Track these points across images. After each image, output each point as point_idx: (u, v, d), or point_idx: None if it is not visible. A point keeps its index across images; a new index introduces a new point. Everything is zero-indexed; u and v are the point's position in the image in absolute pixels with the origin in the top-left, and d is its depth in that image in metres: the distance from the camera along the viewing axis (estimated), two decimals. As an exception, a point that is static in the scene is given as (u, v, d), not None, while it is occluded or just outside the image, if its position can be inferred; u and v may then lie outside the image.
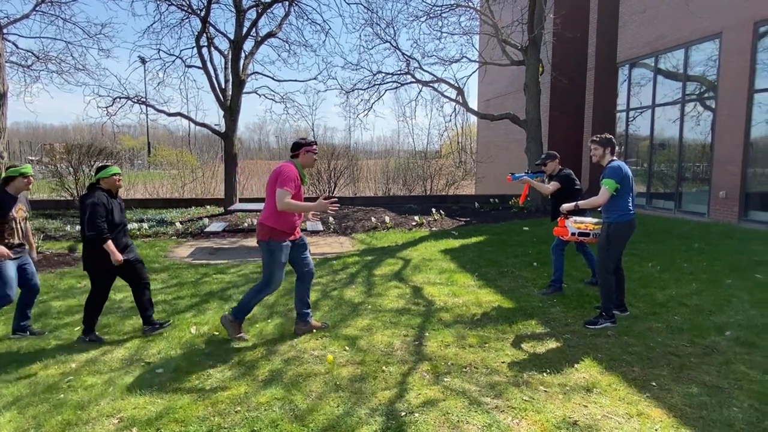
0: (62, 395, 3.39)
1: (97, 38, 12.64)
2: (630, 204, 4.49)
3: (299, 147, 4.29)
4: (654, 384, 3.44)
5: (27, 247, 4.49)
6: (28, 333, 4.49)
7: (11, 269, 4.21)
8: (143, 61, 15.65)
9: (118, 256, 4.14)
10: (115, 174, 4.29)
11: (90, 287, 4.34)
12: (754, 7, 9.55)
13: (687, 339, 4.23)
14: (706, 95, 11.08)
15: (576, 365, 3.75)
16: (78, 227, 9.79)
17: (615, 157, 4.62)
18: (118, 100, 12.29)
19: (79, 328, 4.62)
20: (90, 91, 31.02)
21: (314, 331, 4.48)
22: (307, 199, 4.50)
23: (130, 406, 3.22)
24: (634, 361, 3.82)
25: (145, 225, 10.05)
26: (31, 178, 4.33)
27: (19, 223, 4.33)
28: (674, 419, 2.99)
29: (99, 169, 4.31)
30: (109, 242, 4.10)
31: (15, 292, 4.22)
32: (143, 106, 12.82)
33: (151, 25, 19.81)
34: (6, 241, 4.21)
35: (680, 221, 10.67)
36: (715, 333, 4.33)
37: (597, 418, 3.01)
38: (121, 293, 5.79)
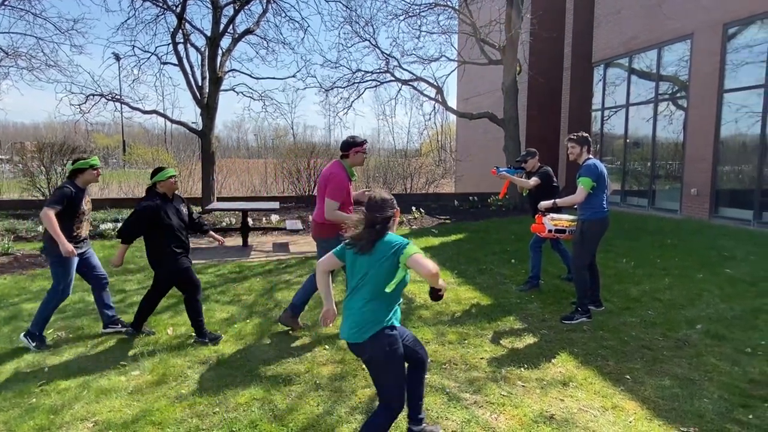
0: (34, 400, 3.30)
1: (69, 34, 12.36)
2: (604, 202, 4.58)
3: (349, 147, 4.28)
4: (628, 377, 3.52)
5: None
6: (119, 326, 4.48)
7: (74, 267, 4.21)
8: (117, 57, 15.36)
9: (116, 261, 4.15)
10: (171, 176, 4.28)
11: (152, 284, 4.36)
12: (723, 9, 9.81)
13: (660, 333, 4.34)
14: (678, 95, 11.35)
15: (553, 360, 3.81)
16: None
17: (591, 156, 4.71)
18: (91, 97, 12.01)
19: (52, 330, 4.52)
20: (62, 89, 30.34)
21: (292, 331, 4.47)
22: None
23: (106, 410, 3.16)
24: (609, 355, 3.90)
25: (120, 225, 9.84)
26: (99, 169, 4.33)
27: (87, 215, 4.31)
28: (647, 411, 3.07)
29: (155, 172, 4.27)
30: (122, 247, 4.16)
31: (72, 288, 4.24)
32: (118, 104, 12.56)
33: (125, 21, 19.23)
34: (75, 234, 4.18)
35: (653, 218, 10.91)
36: (686, 326, 4.45)
37: (573, 412, 3.07)
38: (95, 295, 5.68)
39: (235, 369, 3.72)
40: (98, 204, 13.17)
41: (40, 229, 9.64)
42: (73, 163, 4.20)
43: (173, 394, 3.34)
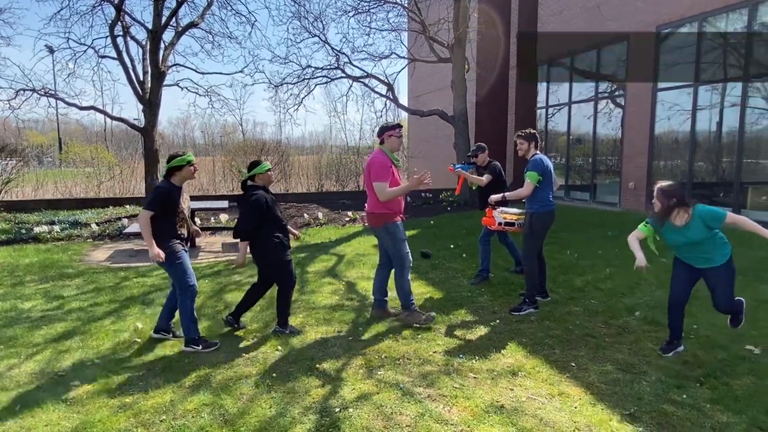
0: (-40, 417, 3.07)
1: (-6, 24, 11.53)
2: (551, 195, 4.74)
3: (383, 132, 4.43)
4: (573, 364, 3.66)
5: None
6: (171, 335, 4.29)
7: (188, 260, 4.03)
8: (51, 50, 14.48)
9: (241, 260, 4.15)
10: (269, 169, 4.31)
11: (277, 283, 4.34)
12: (656, 13, 10.36)
13: (602, 320, 4.54)
14: (616, 93, 11.90)
15: (503, 351, 3.91)
16: None
17: (538, 151, 4.86)
18: (21, 92, 11.28)
19: (-21, 342, 4.22)
20: (-12, 83, 28.19)
21: (390, 318, 4.64)
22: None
23: (41, 423, 2.98)
24: (555, 343, 4.04)
25: (57, 227, 9.31)
26: (196, 165, 4.15)
27: (187, 213, 4.13)
28: (591, 396, 3.21)
29: (253, 165, 4.28)
30: (245, 243, 4.12)
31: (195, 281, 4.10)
32: (51, 99, 11.87)
33: (59, 11, 18.18)
34: (179, 232, 4.00)
35: (595, 211, 11.40)
36: (626, 314, 4.68)
37: (522, 400, 3.16)
38: (29, 302, 5.35)
39: (183, 374, 3.60)
40: (33, 205, 12.40)
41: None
42: (168, 162, 4.05)
43: (116, 404, 3.20)
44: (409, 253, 4.54)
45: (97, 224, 9.82)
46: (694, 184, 9.98)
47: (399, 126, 4.47)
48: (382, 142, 4.47)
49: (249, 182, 4.28)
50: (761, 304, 4.74)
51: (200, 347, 4.00)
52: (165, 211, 3.92)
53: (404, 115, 23.25)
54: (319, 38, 13.46)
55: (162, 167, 12.64)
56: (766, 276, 5.52)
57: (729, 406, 3.04)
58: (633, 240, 3.83)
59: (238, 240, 4.17)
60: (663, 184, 3.69)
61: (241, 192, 4.28)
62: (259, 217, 4.10)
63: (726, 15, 9.14)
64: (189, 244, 4.27)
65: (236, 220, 4.29)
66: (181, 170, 4.05)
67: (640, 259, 3.73)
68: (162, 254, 3.82)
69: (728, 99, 9.26)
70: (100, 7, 11.57)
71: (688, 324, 4.34)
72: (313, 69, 13.74)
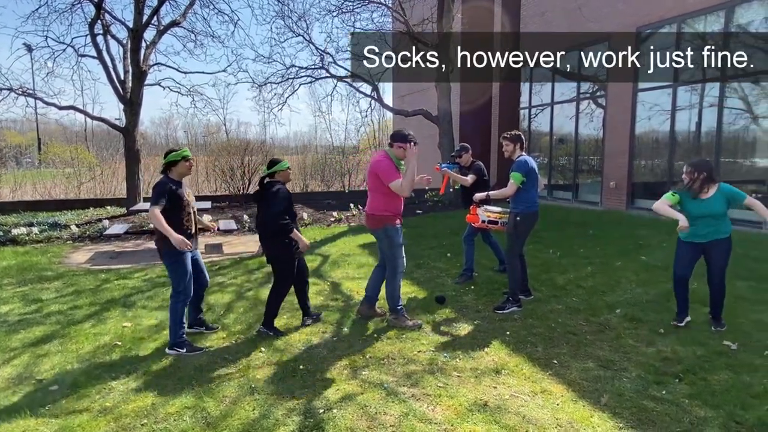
0: (-67, 424, 3.00)
1: (-32, 22, 11.28)
2: (535, 196, 4.79)
3: (397, 139, 4.40)
4: (555, 362, 3.70)
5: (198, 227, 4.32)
6: (204, 328, 4.41)
7: (189, 262, 4.01)
8: (29, 49, 14.21)
9: (305, 241, 4.24)
10: (289, 167, 4.37)
11: (274, 279, 4.36)
12: (636, 14, 10.52)
13: (583, 318, 4.60)
14: (598, 94, 12.05)
15: (486, 349, 3.94)
16: None
17: (523, 152, 4.90)
18: (-2, 91, 11.06)
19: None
20: (-37, 82, 27.56)
21: (377, 317, 4.68)
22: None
23: (19, 429, 2.93)
24: (537, 341, 4.08)
25: (35, 229, 9.13)
26: (192, 161, 4.10)
27: (193, 208, 4.08)
28: (573, 393, 3.24)
29: (273, 163, 4.33)
30: (295, 230, 4.19)
31: (192, 286, 4.08)
32: (30, 99, 11.64)
33: (37, 9, 17.85)
34: (185, 227, 3.94)
35: (577, 210, 11.53)
36: (607, 311, 4.74)
37: (505, 398, 3.19)
38: (7, 305, 5.24)
39: (165, 378, 3.56)
40: (11, 207, 12.16)
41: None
42: (165, 156, 4.02)
43: (96, 408, 3.15)
44: (404, 259, 4.51)
45: (77, 226, 9.66)
46: (674, 183, 10.15)
47: (411, 142, 4.34)
48: (390, 146, 4.43)
49: (267, 179, 4.31)
50: (738, 300, 4.84)
51: (184, 351, 3.96)
52: (172, 207, 3.88)
53: (389, 114, 23.27)
54: (303, 38, 13.42)
55: (143, 167, 12.49)
56: (743, 273, 5.64)
57: (707, 401, 3.10)
58: (664, 206, 4.08)
59: (257, 239, 4.33)
60: (694, 159, 4.05)
61: (258, 189, 4.31)
62: (286, 209, 4.13)
63: (704, 17, 9.32)
64: (196, 241, 4.23)
65: (258, 219, 4.34)
66: (177, 165, 4.02)
67: (683, 219, 3.98)
68: (187, 241, 3.78)
69: (707, 99, 9.43)
70: (79, 5, 11.40)
71: (667, 321, 4.42)
72: (297, 68, 13.69)
